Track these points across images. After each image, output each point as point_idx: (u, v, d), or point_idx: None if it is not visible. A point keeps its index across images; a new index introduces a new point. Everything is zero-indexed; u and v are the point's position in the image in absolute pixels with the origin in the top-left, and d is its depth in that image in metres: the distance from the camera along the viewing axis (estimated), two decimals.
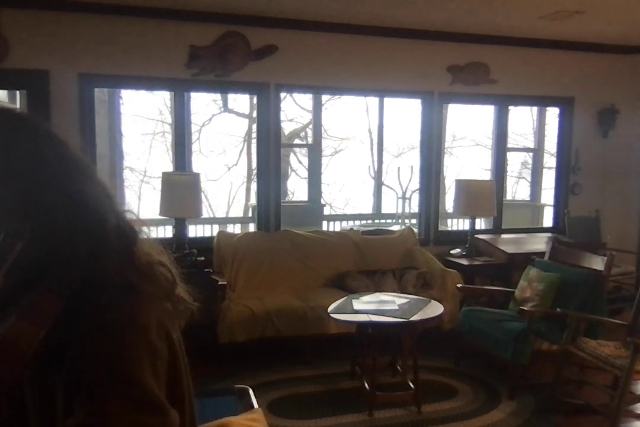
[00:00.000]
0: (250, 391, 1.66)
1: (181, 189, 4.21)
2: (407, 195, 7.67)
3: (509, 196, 9.59)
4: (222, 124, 10.36)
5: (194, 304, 1.02)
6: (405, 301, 3.67)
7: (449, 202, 8.71)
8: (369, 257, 4.76)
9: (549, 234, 5.45)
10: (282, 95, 5.87)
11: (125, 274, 0.89)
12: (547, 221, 6.85)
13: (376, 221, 7.88)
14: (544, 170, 8.21)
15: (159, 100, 9.99)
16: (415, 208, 6.53)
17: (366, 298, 3.74)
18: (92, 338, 0.83)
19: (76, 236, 0.88)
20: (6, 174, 0.89)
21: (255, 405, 1.59)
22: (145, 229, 1.00)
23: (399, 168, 8.02)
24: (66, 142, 0.96)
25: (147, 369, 0.83)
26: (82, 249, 0.87)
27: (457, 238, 5.25)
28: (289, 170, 10.70)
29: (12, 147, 0.90)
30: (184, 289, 1.01)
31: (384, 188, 8.29)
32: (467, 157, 10.71)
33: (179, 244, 4.16)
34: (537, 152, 8.09)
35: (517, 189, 10.51)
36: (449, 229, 7.55)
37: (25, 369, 0.82)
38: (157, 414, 0.82)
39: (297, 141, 10.77)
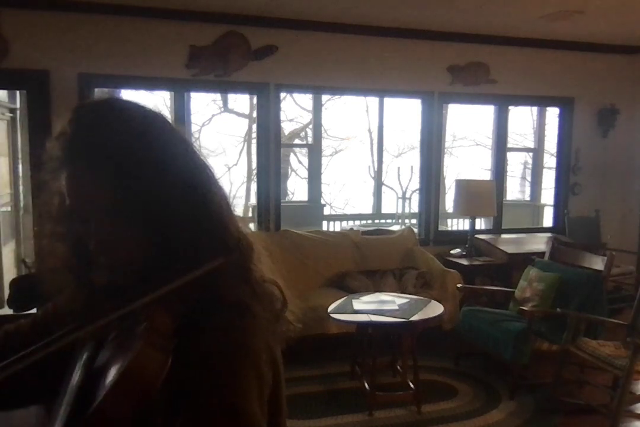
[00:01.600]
0: None
1: None
2: (407, 195, 7.68)
3: (511, 196, 9.59)
4: (222, 124, 10.37)
5: (297, 325, 0.97)
6: (405, 301, 3.67)
7: (449, 202, 8.71)
8: (369, 257, 4.76)
9: (549, 234, 5.44)
10: (282, 95, 5.88)
11: (240, 293, 0.84)
12: (547, 220, 6.85)
13: (376, 221, 7.89)
14: (544, 170, 8.22)
15: (159, 100, 9.98)
16: (415, 208, 6.54)
17: (366, 298, 3.74)
18: (203, 364, 0.76)
19: (200, 248, 0.81)
20: (137, 181, 0.80)
21: None
22: (254, 241, 0.92)
23: (399, 168, 8.03)
24: (191, 143, 0.89)
25: (254, 398, 0.77)
26: (204, 260, 0.79)
27: (457, 238, 5.25)
28: (289, 170, 10.71)
29: (163, 149, 0.83)
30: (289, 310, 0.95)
31: (384, 188, 8.30)
32: (467, 157, 10.72)
33: None
34: (537, 152, 8.10)
35: (524, 190, 10.50)
36: (449, 229, 7.56)
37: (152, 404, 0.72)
38: None
39: (297, 141, 10.78)
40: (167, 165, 0.82)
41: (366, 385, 3.40)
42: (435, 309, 3.55)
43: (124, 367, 0.70)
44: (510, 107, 5.77)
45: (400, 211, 7.81)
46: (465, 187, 5.01)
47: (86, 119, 0.83)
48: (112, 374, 0.71)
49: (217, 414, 0.74)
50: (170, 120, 0.88)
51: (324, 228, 7.32)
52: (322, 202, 8.32)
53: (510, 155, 7.86)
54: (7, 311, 3.86)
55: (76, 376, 0.79)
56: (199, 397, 0.74)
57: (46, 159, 0.85)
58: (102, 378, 0.73)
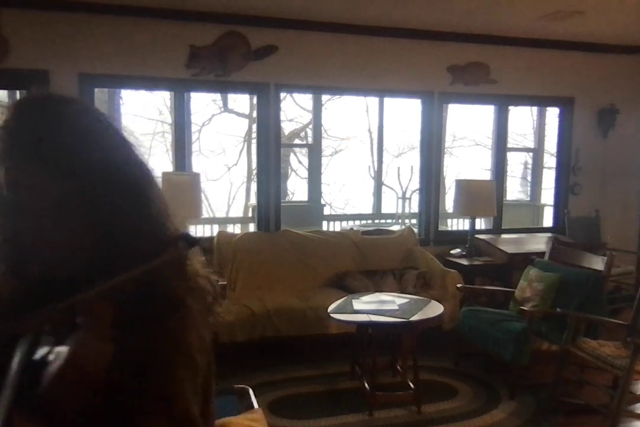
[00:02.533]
0: (250, 391, 1.66)
1: (181, 189, 4.20)
2: (407, 195, 7.67)
3: (511, 196, 9.60)
4: (222, 124, 10.37)
5: (225, 318, 1.02)
6: (405, 301, 3.67)
7: (449, 202, 8.71)
8: (369, 257, 4.76)
9: (549, 234, 5.44)
10: (282, 95, 5.88)
11: (175, 287, 0.86)
12: (547, 221, 6.85)
13: (376, 221, 7.89)
14: (544, 170, 8.22)
15: (159, 100, 10.00)
16: (415, 208, 6.53)
17: (366, 298, 3.74)
18: (135, 355, 0.79)
19: (137, 243, 0.84)
20: (75, 167, 0.81)
21: (255, 405, 1.59)
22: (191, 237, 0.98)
23: (399, 168, 8.02)
24: (132, 143, 0.91)
25: (188, 387, 0.82)
26: (142, 258, 0.80)
27: (457, 238, 5.25)
28: (289, 170, 10.71)
29: (86, 139, 0.84)
30: (230, 299, 1.00)
31: (384, 188, 8.30)
32: (467, 157, 10.72)
33: None
34: (537, 152, 8.10)
35: (524, 190, 10.51)
36: (449, 229, 7.56)
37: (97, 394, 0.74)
38: None
39: (297, 141, 10.78)
40: (108, 163, 0.84)
41: (366, 385, 3.40)
42: (435, 309, 3.55)
43: (68, 356, 0.72)
44: (510, 107, 5.77)
45: (400, 211, 7.81)
46: (465, 187, 5.01)
47: (28, 113, 0.84)
48: (55, 363, 0.73)
49: (151, 401, 0.77)
50: (110, 119, 0.90)
51: (324, 228, 7.31)
52: (322, 202, 8.32)
53: (510, 155, 7.87)
54: None
55: (16, 366, 0.78)
56: (134, 388, 0.77)
57: None
58: (45, 368, 0.74)
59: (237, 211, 10.68)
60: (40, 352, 0.79)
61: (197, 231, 7.08)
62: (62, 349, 0.75)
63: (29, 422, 0.71)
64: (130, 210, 0.85)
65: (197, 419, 0.82)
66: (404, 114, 8.59)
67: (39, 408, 0.72)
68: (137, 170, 0.89)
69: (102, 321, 0.78)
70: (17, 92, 4.81)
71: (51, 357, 0.75)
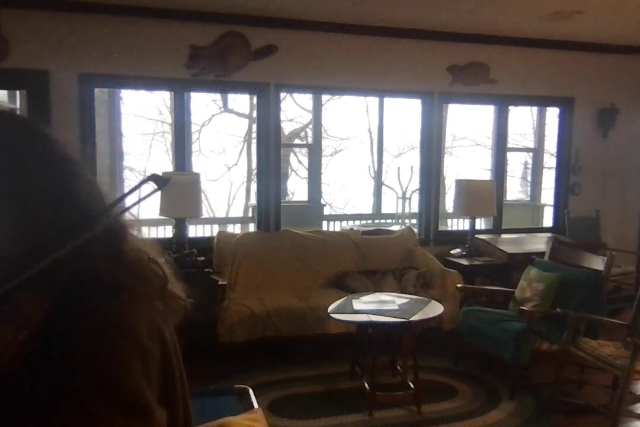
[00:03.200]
0: (250, 391, 1.67)
1: (181, 189, 4.20)
2: (407, 195, 7.67)
3: (511, 196, 9.60)
4: (222, 124, 10.37)
5: (187, 300, 0.99)
6: (405, 301, 3.67)
7: (449, 202, 8.71)
8: (369, 257, 4.76)
9: (549, 234, 5.45)
10: (282, 95, 5.88)
11: (113, 272, 0.86)
12: (547, 221, 6.85)
13: (376, 221, 7.89)
14: (544, 170, 8.22)
15: (159, 100, 10.00)
16: (415, 208, 6.53)
17: (366, 298, 3.74)
18: (79, 342, 0.80)
19: (63, 234, 0.84)
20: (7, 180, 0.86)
21: (255, 405, 1.59)
22: (138, 226, 0.97)
23: (399, 168, 8.02)
24: (52, 140, 0.92)
25: (137, 371, 0.81)
26: (69, 248, 0.82)
27: (457, 238, 5.25)
28: (289, 170, 10.71)
29: (22, 145, 0.87)
30: (178, 286, 0.98)
31: (384, 188, 8.30)
32: (467, 157, 10.73)
33: (179, 244, 4.16)
34: (537, 152, 8.10)
35: (524, 190, 10.51)
36: (449, 229, 7.56)
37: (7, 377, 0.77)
38: (141, 415, 0.80)
39: (297, 141, 10.78)
40: (27, 159, 0.87)
41: (366, 385, 3.40)
42: (435, 309, 3.55)
43: None
44: (510, 107, 5.77)
45: (400, 211, 7.81)
46: (465, 187, 5.00)
47: None
48: None
49: (98, 387, 0.78)
50: (24, 121, 0.94)
51: (324, 228, 7.31)
52: (322, 202, 8.32)
53: (510, 155, 7.87)
54: None
55: None
56: (79, 374, 0.78)
57: None
58: None
59: (237, 211, 10.69)
60: None
61: (198, 230, 7.08)
62: None
63: None
64: (46, 204, 0.86)
65: (150, 404, 0.81)
66: (404, 114, 8.59)
67: None
68: (58, 162, 0.90)
69: (24, 310, 0.80)
70: (17, 92, 4.81)
71: None
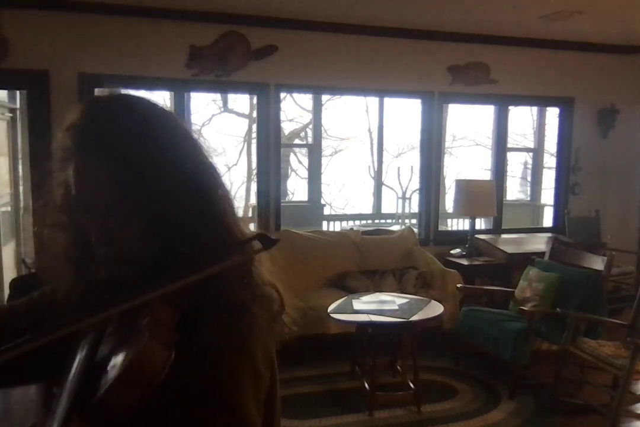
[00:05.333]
0: None
1: None
2: (407, 195, 7.67)
3: (511, 196, 9.60)
4: (222, 124, 10.37)
5: (293, 328, 0.99)
6: (405, 301, 3.67)
7: (449, 202, 8.71)
8: (369, 257, 4.76)
9: (549, 234, 5.45)
10: (282, 95, 5.88)
11: (240, 293, 0.85)
12: (547, 221, 6.85)
13: (376, 221, 7.89)
14: (544, 170, 8.22)
15: (159, 100, 9.97)
16: (415, 208, 6.53)
17: (366, 298, 3.74)
18: (200, 360, 0.77)
19: (203, 249, 0.82)
20: (143, 177, 0.81)
21: None
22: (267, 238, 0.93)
23: (399, 168, 8.03)
24: (201, 144, 0.90)
25: (250, 396, 0.79)
26: (207, 262, 0.80)
27: (457, 238, 5.25)
28: (289, 170, 10.71)
29: (172, 148, 0.84)
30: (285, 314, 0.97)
31: (384, 188, 8.30)
32: (467, 157, 10.72)
33: None
34: (537, 152, 8.10)
35: (524, 190, 10.51)
36: (449, 229, 7.56)
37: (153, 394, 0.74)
38: None
39: (297, 141, 10.78)
40: (175, 164, 0.83)
41: (366, 385, 3.40)
42: (435, 309, 3.55)
43: (129, 359, 0.72)
44: (510, 107, 5.77)
45: (400, 211, 7.81)
46: (465, 187, 5.01)
47: (99, 112, 0.84)
48: (116, 365, 0.73)
49: (213, 410, 0.75)
50: (179, 119, 0.89)
51: (324, 228, 7.32)
52: (322, 202, 8.32)
53: (510, 155, 7.86)
54: None
55: (77, 366, 0.80)
56: (196, 394, 0.75)
57: (54, 149, 0.85)
58: (105, 370, 0.74)
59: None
60: (102, 352, 0.79)
61: None
62: (122, 353, 0.74)
63: None
64: (195, 211, 0.83)
65: None
66: (404, 114, 8.59)
67: (96, 413, 0.71)
68: (203, 171, 0.87)
69: (165, 325, 0.77)
70: (17, 92, 4.81)
71: (111, 362, 0.74)
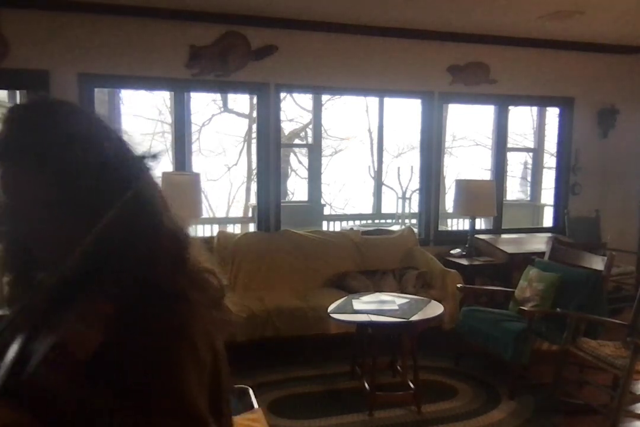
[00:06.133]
0: (250, 391, 1.67)
1: (181, 189, 4.20)
2: (407, 195, 7.67)
3: (511, 196, 9.60)
4: (222, 124, 10.36)
5: (240, 315, 1.00)
6: (405, 301, 3.67)
7: (449, 202, 8.71)
8: (369, 257, 4.76)
9: (549, 234, 5.44)
10: (282, 95, 5.88)
11: (176, 280, 0.86)
12: (547, 221, 6.85)
13: (376, 221, 7.89)
14: (544, 170, 8.21)
15: (159, 100, 9.99)
16: (415, 208, 6.53)
17: (366, 298, 3.74)
18: (140, 348, 0.79)
19: (133, 238, 0.83)
20: (68, 177, 0.82)
21: (255, 405, 1.59)
22: (192, 232, 0.95)
23: (399, 168, 8.02)
24: (128, 143, 0.91)
25: (194, 382, 0.81)
26: (138, 252, 0.82)
27: (457, 238, 5.25)
28: (289, 170, 10.70)
29: (77, 139, 0.83)
30: (230, 300, 0.98)
31: (384, 188, 8.30)
32: (467, 157, 10.72)
33: None
34: (537, 152, 8.09)
35: (524, 190, 10.51)
36: (449, 229, 7.56)
37: (82, 377, 0.76)
38: (196, 425, 0.80)
39: (297, 141, 10.77)
40: (100, 164, 0.84)
41: (366, 385, 3.40)
42: (435, 309, 3.55)
43: (54, 340, 0.74)
44: (510, 107, 5.77)
45: (400, 211, 7.81)
46: (465, 187, 5.01)
47: (22, 118, 0.85)
48: (44, 348, 0.75)
49: (158, 397, 0.77)
50: (104, 120, 0.91)
51: (324, 228, 7.31)
52: (322, 202, 8.32)
53: (510, 155, 7.86)
54: None
55: (10, 355, 0.81)
56: (138, 381, 0.77)
57: None
58: (33, 357, 0.76)
59: (237, 211, 10.68)
60: (36, 346, 0.80)
61: (197, 230, 7.08)
62: (49, 334, 0.76)
63: (14, 412, 0.73)
64: (122, 208, 0.83)
65: (206, 416, 0.81)
66: (404, 114, 8.59)
67: (24, 396, 0.73)
68: (130, 168, 0.88)
69: (96, 311, 0.79)
70: (17, 92, 4.81)
71: (40, 348, 0.76)
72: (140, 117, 9.89)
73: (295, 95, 9.23)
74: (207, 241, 4.64)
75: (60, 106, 0.87)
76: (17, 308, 0.75)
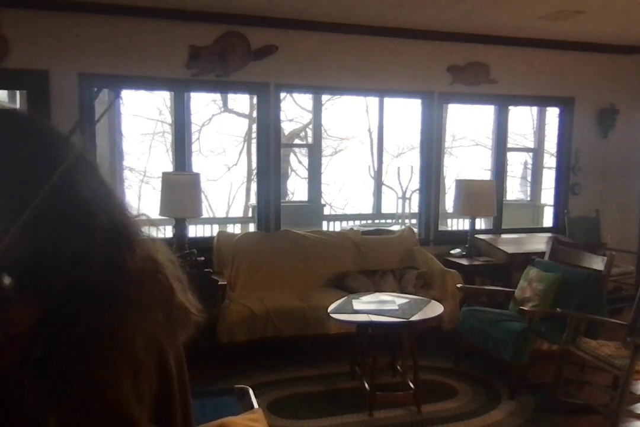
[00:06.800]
0: (250, 391, 1.67)
1: (181, 189, 4.20)
2: (407, 195, 7.67)
3: (511, 196, 9.59)
4: (222, 124, 10.37)
5: (198, 314, 0.95)
6: (405, 301, 3.67)
7: (449, 202, 8.71)
8: (369, 257, 4.76)
9: (549, 234, 5.44)
10: (282, 95, 5.88)
11: (111, 282, 0.82)
12: (547, 221, 6.85)
13: (376, 221, 7.88)
14: (544, 170, 8.22)
15: (159, 100, 10.00)
16: (415, 208, 6.53)
17: (366, 298, 3.74)
18: (70, 351, 0.77)
19: (60, 237, 0.80)
20: None
21: (255, 405, 1.59)
22: (147, 230, 0.92)
23: (399, 168, 8.02)
24: (60, 137, 0.89)
25: (125, 384, 0.78)
26: (65, 252, 0.79)
27: (457, 238, 5.25)
28: (289, 170, 10.71)
29: (6, 145, 0.84)
30: (191, 299, 0.94)
31: (384, 188, 8.29)
32: (467, 157, 10.72)
33: (179, 244, 4.16)
34: (537, 152, 8.10)
35: (524, 190, 10.51)
36: (449, 229, 7.55)
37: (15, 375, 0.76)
38: None
39: (297, 141, 10.78)
40: (22, 165, 0.83)
41: (366, 385, 3.40)
42: (435, 309, 3.55)
43: None
44: (510, 107, 5.77)
45: (400, 211, 7.81)
46: (465, 187, 5.01)
47: None
48: None
49: (87, 401, 0.76)
50: (36, 119, 0.90)
51: (324, 228, 7.31)
52: (322, 202, 8.32)
53: (510, 155, 7.87)
54: None
55: None
56: (69, 385, 0.76)
57: None
58: None
59: (237, 211, 10.68)
60: None
61: (198, 230, 7.08)
62: None
63: None
64: (46, 201, 0.80)
65: (136, 419, 0.78)
66: (404, 114, 8.59)
67: None
68: (56, 160, 0.84)
69: (13, 315, 0.78)
70: (17, 92, 4.81)
71: None
72: (140, 117, 9.90)
73: (295, 95, 9.23)
74: (207, 241, 4.65)
75: (22, 119, 0.89)
76: None
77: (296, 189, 10.44)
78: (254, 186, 7.82)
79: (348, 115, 10.63)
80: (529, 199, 8.91)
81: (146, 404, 0.81)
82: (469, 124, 10.24)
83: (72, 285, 0.80)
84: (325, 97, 8.87)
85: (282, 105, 6.14)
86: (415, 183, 6.37)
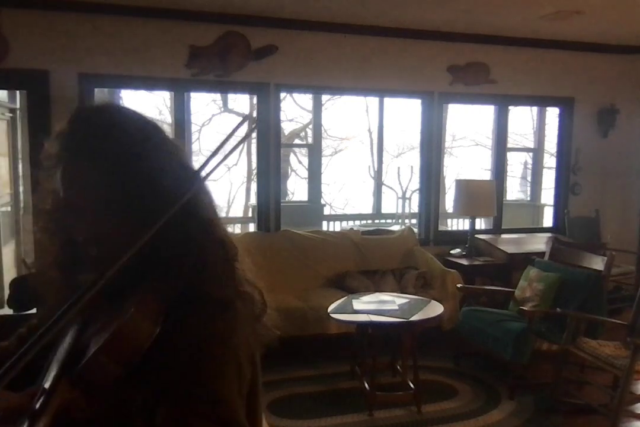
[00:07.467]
0: None
1: None
2: (407, 195, 7.68)
3: (511, 196, 9.60)
4: (222, 124, 10.36)
5: (276, 332, 1.03)
6: (405, 301, 3.67)
7: (449, 202, 8.71)
8: (369, 257, 4.76)
9: (549, 234, 5.44)
10: (282, 95, 5.88)
11: (225, 289, 0.87)
12: (547, 220, 6.85)
13: (376, 221, 7.88)
14: (544, 170, 8.22)
15: (159, 100, 9.99)
16: (415, 208, 6.53)
17: (366, 298, 3.74)
18: (185, 352, 0.80)
19: (186, 242, 0.86)
20: (128, 175, 0.85)
21: None
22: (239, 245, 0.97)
23: (399, 168, 8.03)
24: (181, 149, 0.95)
25: (234, 389, 0.81)
26: (190, 257, 0.85)
27: (457, 238, 5.24)
28: (289, 170, 10.71)
29: (141, 154, 0.87)
30: (270, 317, 1.02)
31: (384, 188, 8.30)
32: (467, 157, 10.73)
33: None
34: (537, 152, 8.10)
35: (524, 190, 10.51)
36: (449, 229, 7.56)
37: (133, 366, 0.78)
38: None
39: (297, 141, 10.78)
40: (157, 169, 0.87)
41: (366, 385, 3.40)
42: (435, 309, 3.55)
43: (113, 329, 0.77)
44: (510, 107, 5.77)
45: (400, 211, 7.81)
46: (465, 187, 5.00)
47: (84, 119, 0.88)
48: (102, 336, 0.77)
49: (200, 400, 0.77)
50: (162, 128, 0.94)
51: (324, 228, 7.31)
52: (322, 202, 8.32)
53: (510, 155, 7.86)
54: (7, 311, 3.86)
55: (65, 344, 0.85)
56: (182, 384, 0.78)
57: (42, 158, 0.89)
58: (92, 342, 0.79)
59: (237, 211, 10.68)
60: (89, 333, 0.85)
61: None
62: (105, 325, 0.79)
63: (71, 390, 0.76)
64: (176, 213, 0.84)
65: (244, 423, 0.80)
66: (404, 114, 8.59)
67: (81, 377, 0.76)
68: (184, 174, 0.91)
69: (150, 306, 0.81)
70: (17, 92, 4.81)
71: (98, 337, 0.79)
72: None
73: (295, 95, 9.23)
74: None
75: (124, 111, 0.91)
76: (68, 304, 0.75)
77: (296, 189, 10.44)
78: (254, 186, 7.82)
79: (348, 115, 10.64)
80: (529, 199, 8.91)
81: (244, 408, 0.85)
82: (469, 124, 10.25)
83: (190, 289, 0.85)
84: (325, 97, 8.87)
85: (282, 105, 6.14)
86: (415, 183, 6.37)
